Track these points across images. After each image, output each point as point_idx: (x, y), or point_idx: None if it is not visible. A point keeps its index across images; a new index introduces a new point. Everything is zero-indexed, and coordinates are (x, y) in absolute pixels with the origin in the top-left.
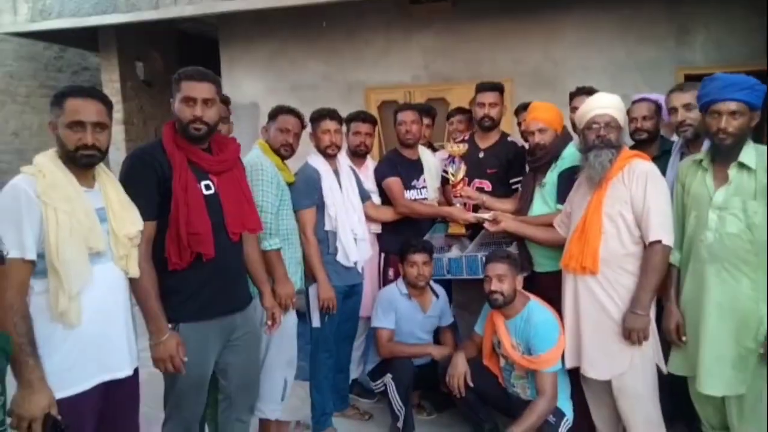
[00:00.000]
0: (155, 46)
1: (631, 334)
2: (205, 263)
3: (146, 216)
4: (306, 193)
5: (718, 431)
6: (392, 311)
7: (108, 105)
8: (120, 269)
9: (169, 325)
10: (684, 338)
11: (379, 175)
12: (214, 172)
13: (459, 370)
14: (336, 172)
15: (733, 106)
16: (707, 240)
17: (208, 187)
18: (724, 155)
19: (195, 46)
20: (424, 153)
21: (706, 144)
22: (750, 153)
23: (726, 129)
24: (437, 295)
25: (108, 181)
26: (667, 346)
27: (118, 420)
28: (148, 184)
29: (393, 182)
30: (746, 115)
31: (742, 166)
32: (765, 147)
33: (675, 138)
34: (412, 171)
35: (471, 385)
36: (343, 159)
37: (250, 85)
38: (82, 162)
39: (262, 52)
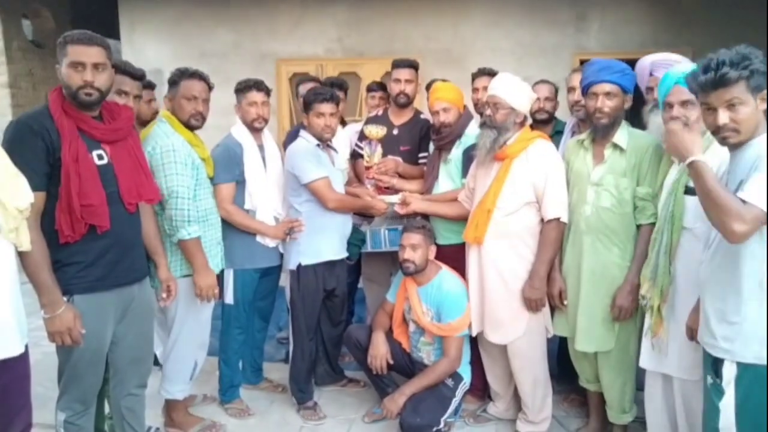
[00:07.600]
0: (45, 3)
1: (531, 304)
2: (101, 235)
3: (35, 187)
4: (226, 166)
5: (593, 383)
6: (321, 162)
7: None
8: (9, 243)
9: (64, 298)
10: (566, 302)
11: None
12: (107, 141)
13: (381, 351)
14: (261, 148)
15: (607, 87)
16: (585, 213)
17: (100, 157)
18: (602, 135)
19: (91, 5)
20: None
21: None
22: (623, 135)
23: (602, 108)
24: (335, 150)
25: None
26: (552, 310)
27: (10, 400)
28: (36, 153)
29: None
30: (619, 97)
31: (616, 146)
32: (637, 130)
33: (569, 119)
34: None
35: (391, 363)
36: (269, 134)
37: (154, 50)
38: None
39: (167, 14)
